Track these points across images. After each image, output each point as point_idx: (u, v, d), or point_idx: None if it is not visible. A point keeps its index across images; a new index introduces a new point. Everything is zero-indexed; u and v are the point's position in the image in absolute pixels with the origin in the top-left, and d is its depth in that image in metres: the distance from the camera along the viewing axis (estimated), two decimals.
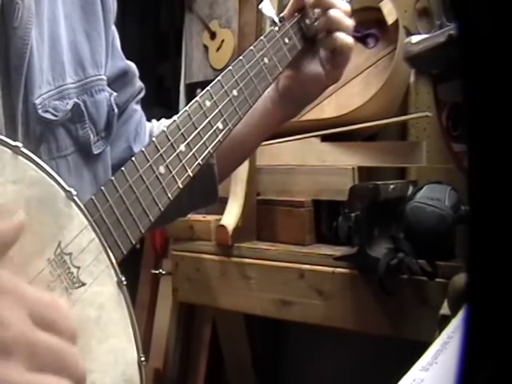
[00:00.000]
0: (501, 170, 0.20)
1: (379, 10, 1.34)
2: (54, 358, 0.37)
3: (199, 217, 1.39)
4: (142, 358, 0.49)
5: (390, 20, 1.33)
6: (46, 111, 0.58)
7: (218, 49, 2.09)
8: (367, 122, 1.28)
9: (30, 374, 0.36)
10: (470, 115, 0.21)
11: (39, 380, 0.36)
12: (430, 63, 1.20)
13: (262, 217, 1.35)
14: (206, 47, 2.14)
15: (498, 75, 0.20)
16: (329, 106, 1.46)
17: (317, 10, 0.81)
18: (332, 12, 0.77)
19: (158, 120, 0.84)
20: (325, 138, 1.32)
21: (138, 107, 0.80)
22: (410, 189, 1.13)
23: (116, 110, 0.68)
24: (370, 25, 1.37)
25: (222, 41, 2.07)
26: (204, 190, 0.79)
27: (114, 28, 0.72)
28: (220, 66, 2.06)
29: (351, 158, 1.28)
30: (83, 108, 0.63)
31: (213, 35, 2.11)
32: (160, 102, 2.26)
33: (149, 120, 0.83)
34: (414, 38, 1.17)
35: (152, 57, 2.42)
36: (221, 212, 1.34)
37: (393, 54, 1.34)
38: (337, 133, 1.30)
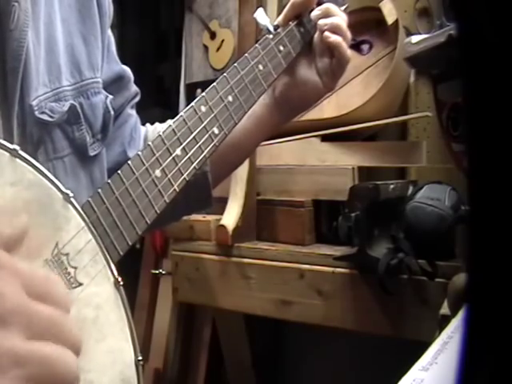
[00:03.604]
0: (501, 169, 0.20)
1: (379, 10, 1.34)
2: (50, 326, 0.39)
3: (199, 217, 1.39)
4: (140, 358, 0.50)
5: (389, 20, 1.33)
6: (43, 112, 0.58)
7: (218, 49, 2.09)
8: (367, 122, 1.28)
9: (31, 342, 0.37)
10: (469, 115, 0.21)
11: (40, 347, 0.38)
12: (430, 63, 1.20)
13: (262, 217, 1.35)
14: (206, 47, 2.14)
15: (497, 75, 0.20)
16: (329, 106, 1.46)
17: (313, 18, 0.81)
18: (335, 20, 0.78)
19: (158, 121, 0.84)
20: (325, 138, 1.32)
21: (134, 112, 0.80)
22: (410, 189, 1.13)
23: (112, 113, 0.69)
24: (370, 25, 1.38)
25: (222, 41, 2.07)
26: (198, 197, 0.80)
27: (110, 33, 0.72)
28: (220, 66, 2.06)
29: (351, 158, 1.28)
30: (79, 110, 0.63)
31: (213, 35, 2.11)
32: (160, 103, 2.27)
33: (148, 121, 0.83)
34: (414, 38, 1.17)
35: (152, 57, 2.42)
36: (221, 212, 1.34)
37: (393, 53, 1.34)
38: (337, 133, 1.30)
